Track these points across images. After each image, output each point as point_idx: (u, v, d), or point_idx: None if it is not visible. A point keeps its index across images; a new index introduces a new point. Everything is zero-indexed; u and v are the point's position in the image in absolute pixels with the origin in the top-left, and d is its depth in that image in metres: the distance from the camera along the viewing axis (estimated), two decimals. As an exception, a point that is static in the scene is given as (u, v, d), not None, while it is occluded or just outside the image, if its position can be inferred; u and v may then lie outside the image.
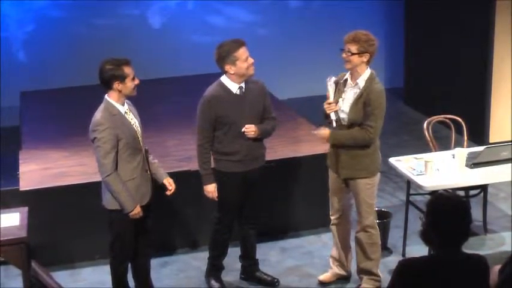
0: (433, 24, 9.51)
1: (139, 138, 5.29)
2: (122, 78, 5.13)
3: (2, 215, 5.39)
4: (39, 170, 6.58)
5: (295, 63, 10.52)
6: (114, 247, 5.43)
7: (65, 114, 8.13)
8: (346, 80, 5.60)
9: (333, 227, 5.92)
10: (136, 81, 5.21)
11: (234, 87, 5.54)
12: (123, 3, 9.96)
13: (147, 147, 5.54)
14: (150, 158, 5.53)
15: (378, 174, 5.65)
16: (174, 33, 10.12)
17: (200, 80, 9.35)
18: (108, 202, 5.27)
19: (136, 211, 5.23)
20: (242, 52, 5.47)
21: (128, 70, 5.15)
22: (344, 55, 5.52)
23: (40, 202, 6.12)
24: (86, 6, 9.82)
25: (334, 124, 5.57)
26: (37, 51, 9.81)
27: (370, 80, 5.48)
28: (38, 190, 6.21)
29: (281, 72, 10.36)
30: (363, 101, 5.45)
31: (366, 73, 5.50)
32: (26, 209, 5.50)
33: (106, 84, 5.16)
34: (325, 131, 5.57)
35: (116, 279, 5.55)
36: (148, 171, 5.39)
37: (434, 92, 9.54)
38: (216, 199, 5.66)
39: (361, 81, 5.49)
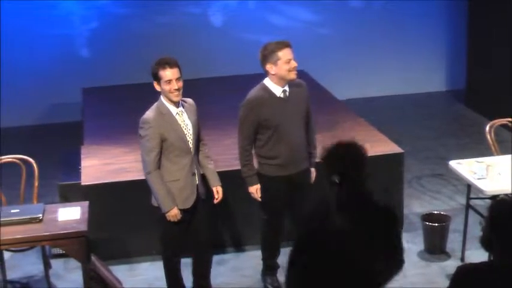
0: (498, 23, 9.31)
1: (189, 141, 5.27)
2: (157, 80, 5.19)
3: (64, 209, 5.48)
4: (100, 165, 6.67)
5: (355, 64, 10.47)
6: (162, 243, 5.51)
7: (126, 110, 8.21)
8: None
9: None
10: (175, 86, 5.16)
11: (277, 90, 5.47)
12: (185, 1, 10.04)
13: (207, 152, 5.54)
14: (207, 161, 5.53)
15: None
16: (235, 32, 10.15)
17: (261, 79, 9.37)
18: (153, 199, 5.35)
19: (173, 213, 5.25)
20: (285, 53, 5.37)
21: (163, 73, 5.15)
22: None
23: (100, 197, 6.20)
24: (148, 4, 9.93)
25: None
26: (100, 48, 9.96)
27: None
28: (98, 185, 6.30)
29: (341, 72, 10.32)
30: None
31: None
32: (86, 203, 5.58)
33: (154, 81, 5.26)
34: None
35: (167, 275, 5.61)
36: (196, 175, 5.37)
37: (497, 94, 9.36)
38: (259, 199, 5.64)
39: None
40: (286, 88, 5.48)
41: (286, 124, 5.46)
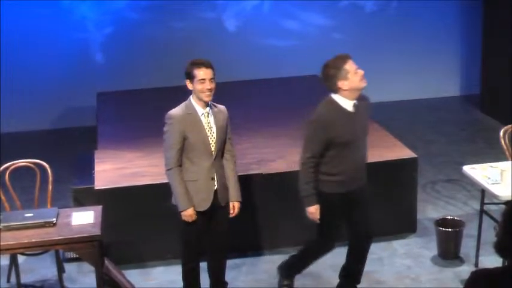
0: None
1: (212, 144, 5.29)
2: (191, 78, 5.23)
3: (77, 213, 5.50)
4: (114, 169, 6.69)
5: (369, 68, 10.33)
6: (181, 246, 5.52)
7: (140, 115, 8.25)
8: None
9: None
10: (208, 86, 5.21)
11: (348, 105, 5.27)
12: (200, 6, 10.07)
13: (234, 163, 5.49)
14: (232, 174, 5.48)
15: None
16: (250, 37, 10.16)
17: (275, 84, 9.41)
18: (173, 197, 5.38)
19: (188, 213, 5.27)
20: (351, 64, 5.24)
21: (197, 72, 5.21)
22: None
23: (114, 201, 6.22)
24: (162, 9, 9.96)
25: None
26: (114, 52, 10.00)
27: None
28: (112, 189, 6.31)
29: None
30: None
31: None
32: (100, 207, 5.59)
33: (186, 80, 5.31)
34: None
35: (184, 277, 5.61)
36: (215, 181, 5.37)
37: (512, 99, 9.32)
38: (318, 221, 5.42)
39: None
40: (356, 101, 5.32)
41: (355, 140, 5.30)
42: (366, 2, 10.40)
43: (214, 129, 5.32)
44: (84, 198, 6.34)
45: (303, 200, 5.40)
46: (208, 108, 5.32)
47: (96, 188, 6.30)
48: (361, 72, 5.28)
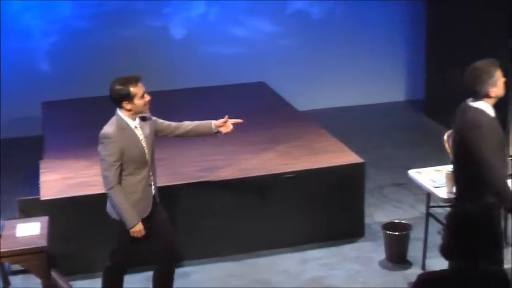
0: (455, 33, 9.40)
1: (147, 153, 5.28)
2: (130, 98, 5.16)
3: (22, 224, 5.42)
4: (61, 179, 6.61)
5: (316, 75, 10.52)
6: (114, 251, 5.43)
7: (87, 124, 8.13)
8: None
9: None
10: (147, 98, 5.21)
11: (491, 110, 5.16)
12: (146, 14, 10.02)
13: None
14: (186, 123, 5.64)
15: None
16: (196, 45, 10.14)
17: (222, 91, 9.42)
18: (110, 210, 5.32)
19: (138, 228, 5.22)
20: (499, 72, 5.11)
21: (135, 89, 5.16)
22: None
23: (61, 211, 6.15)
24: (109, 17, 9.88)
25: None
26: (60, 61, 9.88)
27: None
28: (59, 199, 6.24)
29: (301, 83, 10.36)
30: None
31: None
32: (46, 218, 5.53)
33: (116, 103, 5.22)
34: None
35: (105, 280, 5.50)
36: (152, 186, 5.37)
37: (455, 103, 9.40)
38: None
39: None
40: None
41: None
42: (312, 8, 10.47)
43: (145, 139, 5.29)
44: (31, 209, 6.25)
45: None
46: (138, 120, 5.28)
47: (42, 198, 6.22)
48: (503, 79, 5.15)
